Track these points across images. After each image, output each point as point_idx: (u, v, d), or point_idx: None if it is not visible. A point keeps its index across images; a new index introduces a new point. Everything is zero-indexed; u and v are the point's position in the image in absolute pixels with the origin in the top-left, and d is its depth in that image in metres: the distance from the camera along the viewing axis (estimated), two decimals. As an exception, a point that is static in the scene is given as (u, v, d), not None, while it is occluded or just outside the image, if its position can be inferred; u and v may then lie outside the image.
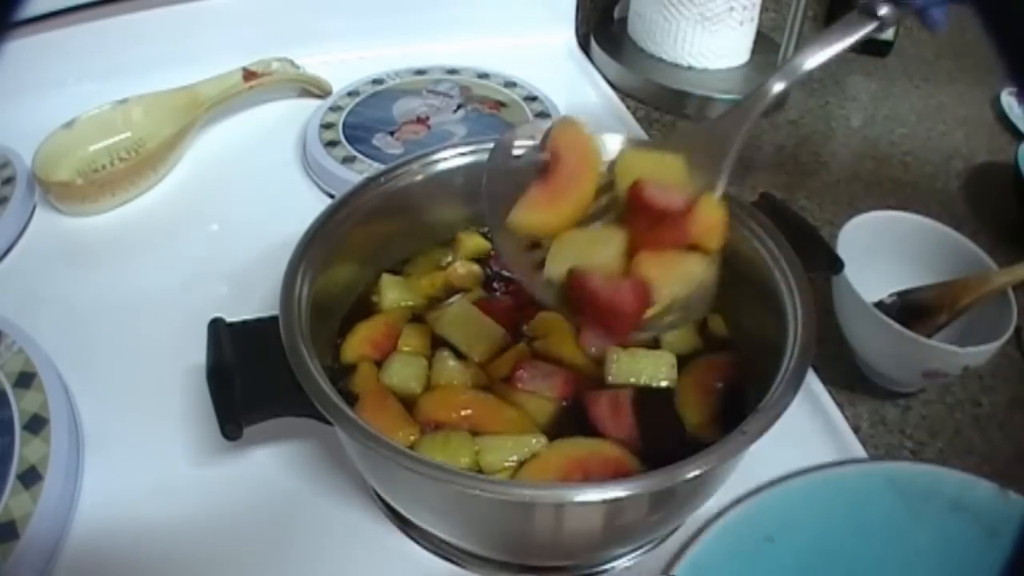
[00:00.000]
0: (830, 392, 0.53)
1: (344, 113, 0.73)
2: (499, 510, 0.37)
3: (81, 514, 0.45)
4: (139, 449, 0.49)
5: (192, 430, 0.49)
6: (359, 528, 0.45)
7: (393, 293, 0.50)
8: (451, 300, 0.50)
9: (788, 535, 0.31)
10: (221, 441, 0.39)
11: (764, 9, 0.87)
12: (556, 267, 0.38)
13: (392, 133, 0.71)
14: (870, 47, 0.95)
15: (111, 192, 0.65)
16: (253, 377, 0.40)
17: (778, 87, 0.43)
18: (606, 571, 0.44)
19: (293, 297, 0.42)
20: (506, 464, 0.41)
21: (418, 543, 0.44)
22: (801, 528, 0.31)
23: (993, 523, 0.31)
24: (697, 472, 0.34)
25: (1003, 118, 0.85)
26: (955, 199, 0.74)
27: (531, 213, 0.39)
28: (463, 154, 0.53)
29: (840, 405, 0.52)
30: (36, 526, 0.42)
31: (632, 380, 0.46)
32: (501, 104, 0.75)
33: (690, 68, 0.85)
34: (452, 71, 0.80)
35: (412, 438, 0.42)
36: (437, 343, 0.48)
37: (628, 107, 0.81)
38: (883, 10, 0.41)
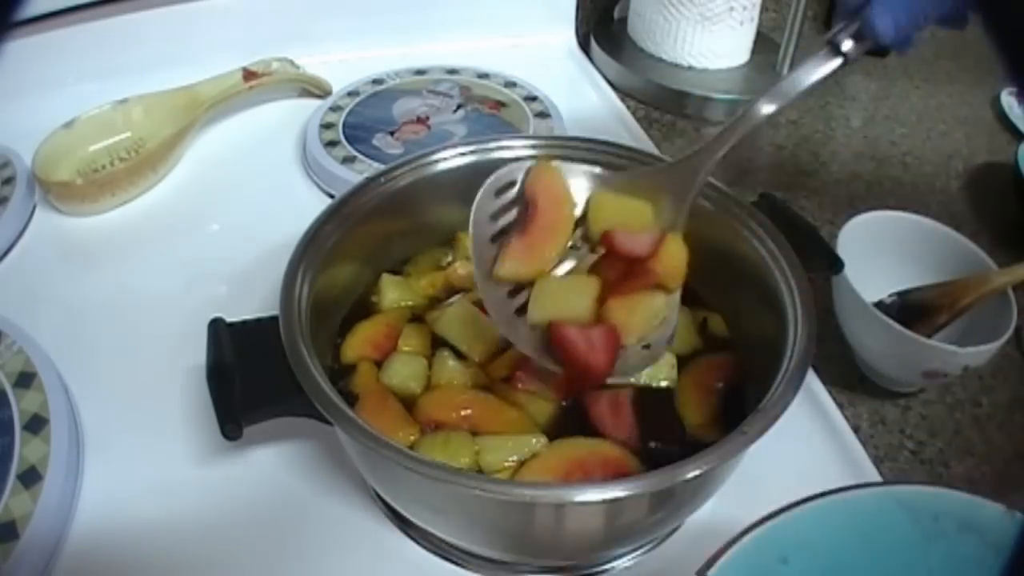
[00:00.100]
0: (830, 392, 0.53)
1: (344, 113, 0.73)
2: (499, 510, 0.37)
3: (81, 514, 0.45)
4: (139, 449, 0.49)
5: (192, 430, 0.49)
6: (359, 528, 0.45)
7: (393, 293, 0.50)
8: (451, 300, 0.50)
9: (802, 556, 0.32)
10: (221, 441, 0.39)
11: (764, 9, 0.87)
12: (538, 314, 0.42)
13: (392, 133, 0.71)
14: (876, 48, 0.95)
15: (111, 192, 0.65)
16: (253, 377, 0.40)
17: (745, 128, 0.44)
18: (606, 571, 0.44)
19: (293, 297, 0.42)
20: (506, 464, 0.41)
21: (418, 543, 0.44)
22: (815, 549, 0.32)
23: (999, 542, 0.32)
24: (697, 472, 0.35)
25: (1003, 118, 0.85)
26: (955, 199, 0.74)
27: (514, 265, 0.42)
28: (463, 154, 0.53)
29: (840, 405, 0.52)
30: (36, 526, 0.42)
31: (632, 380, 0.46)
32: (501, 104, 0.75)
33: (690, 68, 0.85)
34: (452, 71, 0.80)
35: (412, 438, 0.42)
36: (437, 343, 0.48)
37: (628, 107, 0.81)
38: (847, 46, 0.42)
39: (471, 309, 0.48)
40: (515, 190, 0.44)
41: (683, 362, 0.47)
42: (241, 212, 0.67)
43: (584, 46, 0.91)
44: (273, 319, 0.41)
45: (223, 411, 0.38)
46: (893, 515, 0.34)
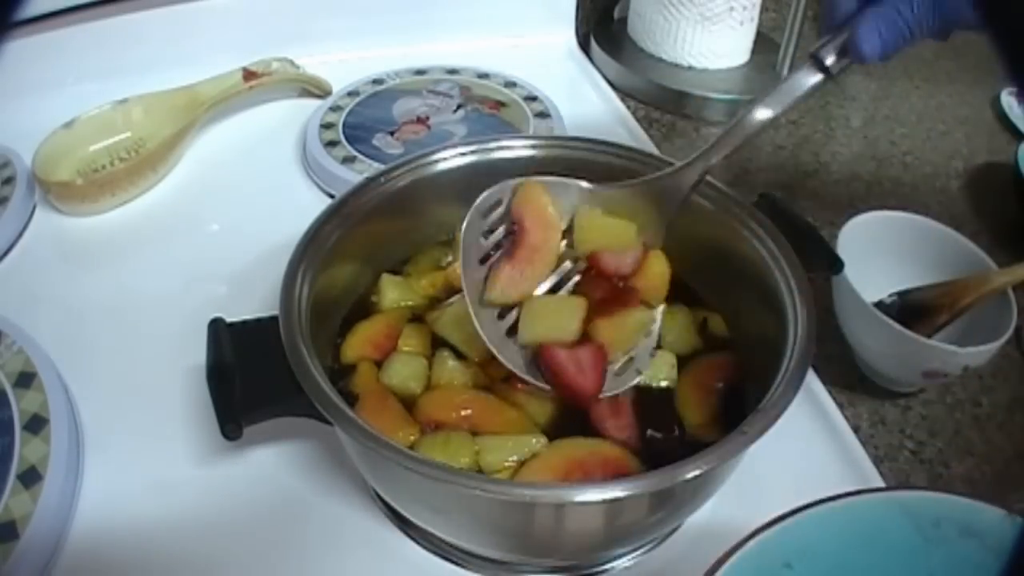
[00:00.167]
0: (830, 392, 0.53)
1: (344, 113, 0.73)
2: (499, 510, 0.37)
3: (81, 514, 0.45)
4: (139, 449, 0.49)
5: (192, 430, 0.49)
6: (359, 528, 0.45)
7: (393, 293, 0.50)
8: (451, 300, 0.50)
9: (806, 561, 0.33)
10: (221, 441, 0.39)
11: (764, 9, 0.87)
12: (528, 335, 0.43)
13: (392, 133, 0.71)
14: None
15: (111, 192, 0.65)
16: (253, 377, 0.40)
17: (732, 143, 0.45)
18: (606, 571, 0.44)
19: (293, 297, 0.42)
20: (506, 464, 0.41)
21: (418, 543, 0.44)
22: (819, 555, 0.33)
23: (1000, 546, 0.32)
24: (697, 472, 0.35)
25: (1003, 118, 0.85)
26: (955, 199, 0.74)
27: (504, 291, 0.43)
28: (463, 154, 0.53)
29: (840, 405, 0.52)
30: (36, 526, 0.41)
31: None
32: (501, 104, 0.75)
33: (690, 68, 0.85)
34: (452, 71, 0.80)
35: (412, 438, 0.42)
36: (437, 343, 0.48)
37: (628, 107, 0.81)
38: (830, 60, 0.43)
39: (468, 308, 0.48)
40: (502, 208, 0.45)
41: (683, 362, 0.47)
42: (241, 212, 0.67)
43: (584, 46, 0.91)
44: (273, 319, 0.41)
45: (223, 411, 0.38)
46: (895, 520, 0.34)
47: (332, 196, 0.64)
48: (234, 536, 0.45)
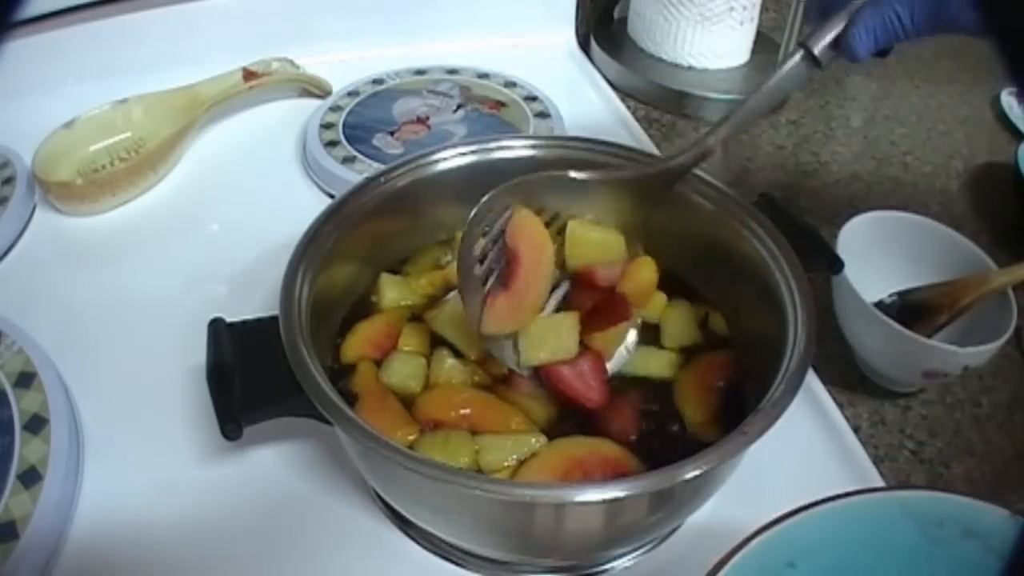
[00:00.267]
0: (830, 392, 0.53)
1: (344, 113, 0.73)
2: (499, 510, 0.37)
3: (81, 514, 0.45)
4: (139, 449, 0.49)
5: (192, 430, 0.49)
6: (359, 528, 0.45)
7: (392, 292, 0.50)
8: (447, 297, 0.50)
9: (809, 561, 0.33)
10: (221, 441, 0.39)
11: (764, 9, 0.87)
12: (531, 358, 0.43)
13: (392, 133, 0.71)
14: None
15: (111, 192, 0.65)
16: (253, 377, 0.40)
17: (723, 132, 0.45)
18: (606, 571, 0.44)
19: (293, 297, 0.42)
20: (506, 464, 0.41)
21: (418, 543, 0.44)
22: (822, 554, 0.33)
23: (1003, 547, 0.32)
24: (697, 472, 0.35)
25: (1003, 118, 0.85)
26: (955, 199, 0.74)
27: (499, 323, 0.43)
28: (463, 154, 0.53)
29: (840, 405, 0.52)
30: (36, 526, 0.41)
31: (633, 373, 0.46)
32: (501, 104, 0.75)
33: (690, 68, 0.85)
34: (452, 71, 0.80)
35: (411, 438, 0.42)
36: (437, 342, 0.48)
37: (628, 107, 0.81)
38: (818, 49, 0.43)
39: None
40: (496, 229, 0.44)
41: (684, 357, 0.48)
42: (241, 212, 0.67)
43: (584, 46, 0.91)
44: (273, 319, 0.41)
45: (223, 411, 0.38)
46: (898, 520, 0.34)
47: (332, 196, 0.64)
48: (234, 536, 0.45)
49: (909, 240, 0.57)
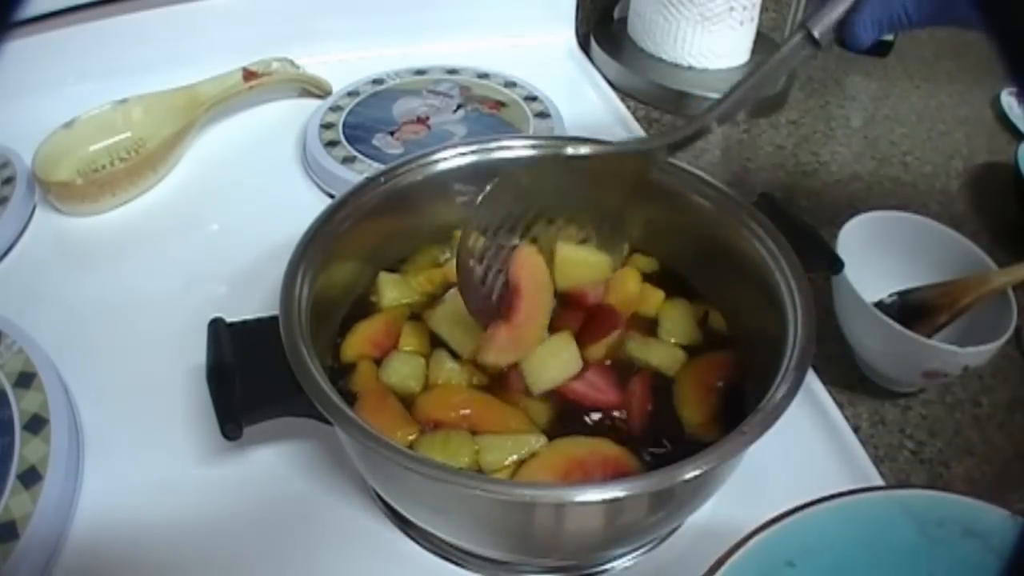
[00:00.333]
0: (830, 392, 0.53)
1: (344, 113, 0.73)
2: (499, 510, 0.37)
3: (81, 514, 0.45)
4: (139, 449, 0.49)
5: (192, 430, 0.49)
6: (359, 528, 0.45)
7: (391, 291, 0.50)
8: (445, 296, 0.50)
9: (809, 560, 0.33)
10: (221, 441, 0.39)
11: (764, 9, 0.87)
12: (540, 385, 0.44)
13: (392, 133, 0.71)
14: (871, 47, 0.95)
15: (111, 192, 0.65)
16: (253, 377, 0.40)
17: (722, 110, 0.47)
18: (606, 571, 0.44)
19: (293, 297, 0.42)
20: (506, 463, 0.41)
21: (418, 543, 0.44)
22: (821, 553, 0.33)
23: (1003, 547, 0.32)
24: (697, 472, 0.34)
25: (1003, 118, 0.85)
26: (955, 199, 0.74)
27: (499, 355, 0.44)
28: (463, 154, 0.53)
29: (840, 405, 0.52)
30: (36, 526, 0.41)
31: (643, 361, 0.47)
32: (501, 104, 0.75)
33: (690, 68, 0.85)
34: (452, 71, 0.80)
35: (411, 437, 0.42)
36: (436, 341, 0.48)
37: (628, 107, 0.81)
38: (819, 31, 0.43)
39: (462, 305, 0.48)
40: (496, 228, 0.46)
41: (684, 354, 0.48)
42: (241, 212, 0.67)
43: (584, 46, 0.91)
44: (273, 319, 0.41)
45: (223, 411, 0.38)
46: (898, 519, 0.34)
47: (332, 196, 0.64)
48: (234, 536, 0.45)
49: (909, 240, 0.57)
